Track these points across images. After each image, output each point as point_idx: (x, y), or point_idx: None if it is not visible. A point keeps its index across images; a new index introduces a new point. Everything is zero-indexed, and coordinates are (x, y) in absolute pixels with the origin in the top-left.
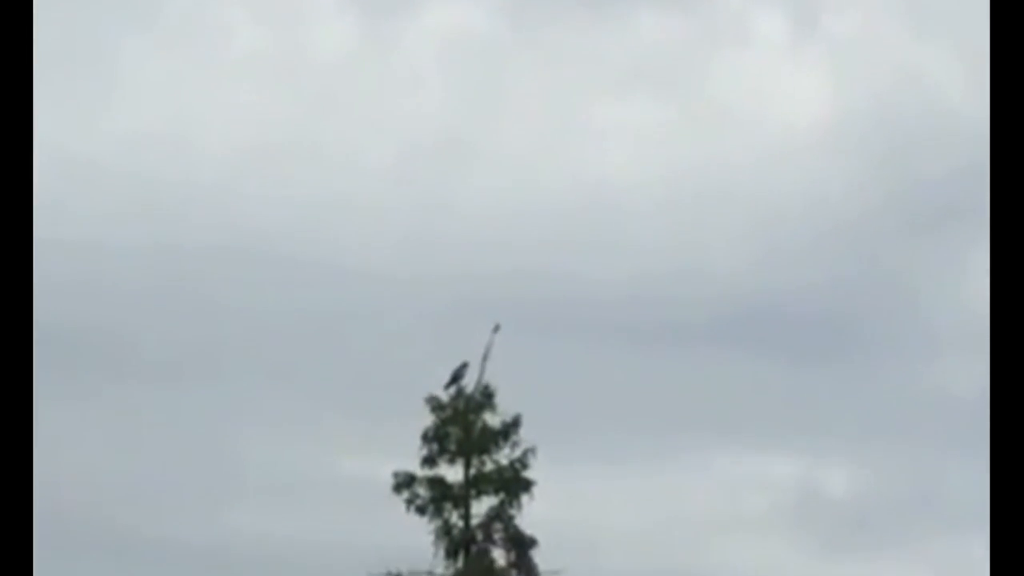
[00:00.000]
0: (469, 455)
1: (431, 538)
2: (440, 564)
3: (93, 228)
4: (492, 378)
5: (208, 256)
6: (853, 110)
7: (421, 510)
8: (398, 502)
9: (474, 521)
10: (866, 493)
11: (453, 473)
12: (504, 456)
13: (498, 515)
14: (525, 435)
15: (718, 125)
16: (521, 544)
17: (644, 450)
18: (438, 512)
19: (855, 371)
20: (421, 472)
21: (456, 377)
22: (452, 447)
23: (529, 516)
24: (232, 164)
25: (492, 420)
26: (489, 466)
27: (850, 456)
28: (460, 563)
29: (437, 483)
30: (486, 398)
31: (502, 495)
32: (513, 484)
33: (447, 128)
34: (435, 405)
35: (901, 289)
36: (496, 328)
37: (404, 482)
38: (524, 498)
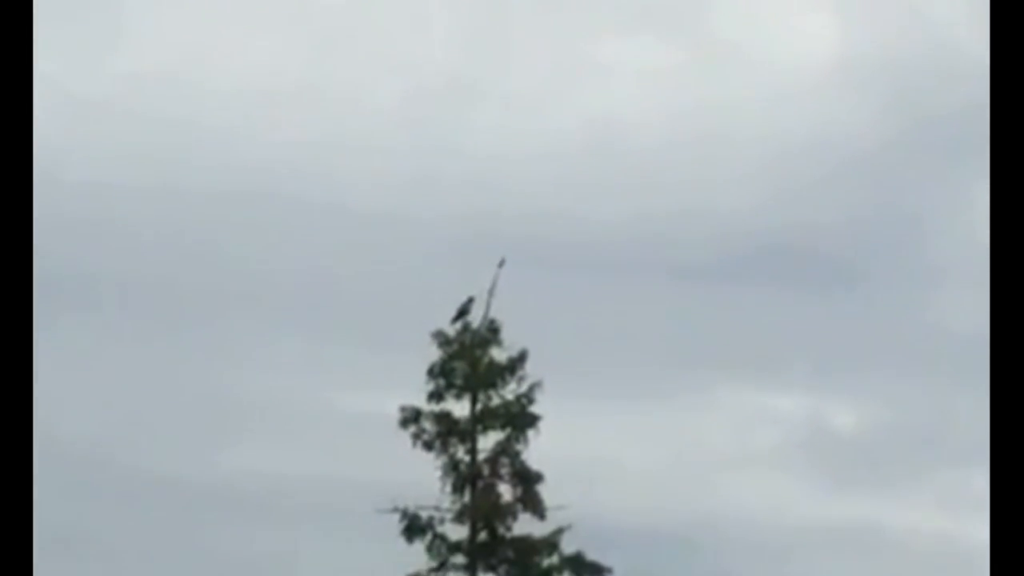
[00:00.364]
0: (475, 390)
1: (438, 473)
2: (446, 499)
3: (96, 169)
4: (498, 313)
5: (212, 197)
6: (860, 49)
7: (428, 445)
8: (404, 437)
9: (480, 456)
10: (874, 428)
11: (459, 408)
12: (510, 391)
13: (504, 450)
14: (531, 370)
15: (725, 64)
16: (527, 479)
17: (651, 386)
18: (444, 447)
19: (863, 307)
20: (427, 407)
21: (462, 312)
22: (458, 382)
23: (535, 451)
24: (237, 105)
25: (498, 355)
26: (495, 401)
27: (858, 391)
28: (466, 498)
29: (443, 418)
30: (492, 333)
31: (508, 430)
32: (519, 419)
33: (453, 69)
34: (441, 340)
35: (908, 225)
36: (501, 263)
37: (410, 417)
38: (530, 433)
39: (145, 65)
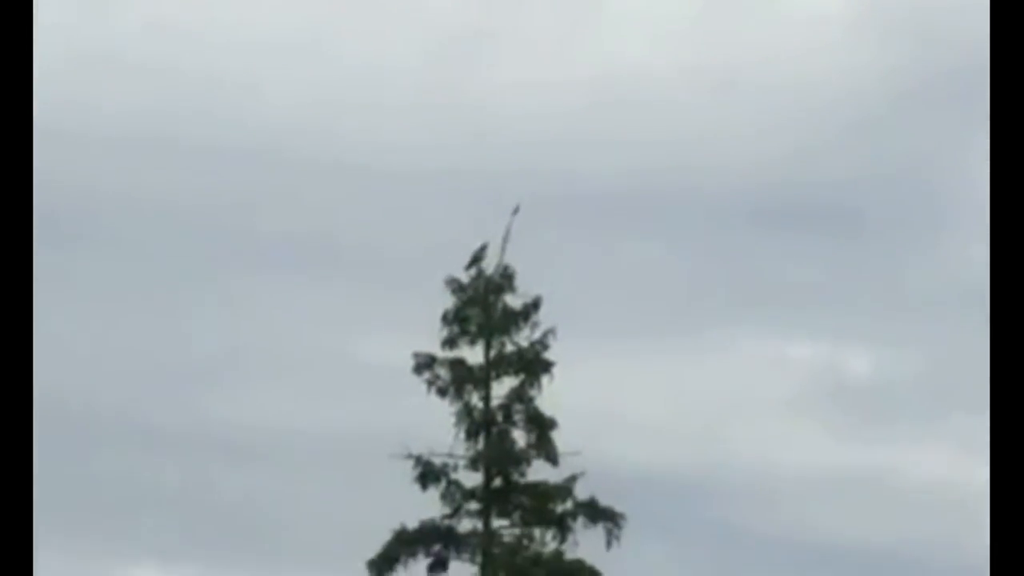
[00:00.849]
0: (489, 336)
1: (452, 420)
2: (460, 445)
3: (99, 120)
4: (512, 260)
5: (226, 149)
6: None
7: (442, 392)
8: (419, 384)
9: (494, 402)
10: (890, 375)
11: (473, 355)
12: (524, 337)
13: (518, 396)
14: (545, 317)
15: (742, 16)
16: (541, 425)
17: (666, 333)
18: (459, 394)
19: (879, 254)
20: (441, 354)
21: (476, 259)
22: (472, 328)
23: (549, 397)
24: (253, 61)
25: (512, 301)
26: (509, 347)
27: (875, 338)
28: (480, 444)
29: (457, 364)
30: (506, 280)
31: (522, 376)
32: (533, 365)
33: (465, 20)
34: (455, 287)
35: (926, 174)
36: (516, 210)
37: (425, 363)
38: (544, 379)
39: (158, 17)
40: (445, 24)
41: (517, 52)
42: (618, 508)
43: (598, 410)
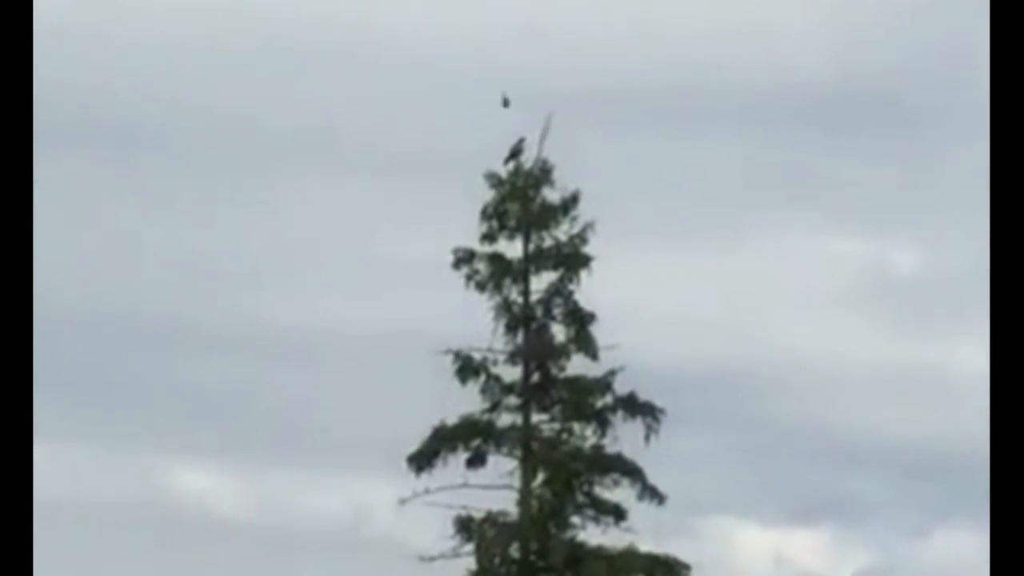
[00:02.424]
0: (528, 231)
1: (491, 314)
2: (499, 340)
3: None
4: (551, 155)
5: (253, 52)
6: None
7: (481, 286)
8: (458, 278)
9: (533, 297)
10: (937, 272)
11: (512, 249)
12: (563, 231)
13: (557, 290)
14: (584, 211)
15: None
16: (580, 319)
17: (708, 229)
18: (497, 288)
19: (927, 152)
20: (480, 248)
21: (514, 153)
22: (511, 223)
23: (588, 292)
24: None
25: (551, 195)
26: (548, 242)
27: (921, 235)
28: (519, 339)
29: (496, 259)
30: (544, 174)
31: (561, 271)
32: (572, 259)
33: None
34: (494, 181)
35: (974, 69)
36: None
37: (464, 258)
38: (583, 274)
39: None
40: None
41: None
42: (657, 403)
43: (638, 305)
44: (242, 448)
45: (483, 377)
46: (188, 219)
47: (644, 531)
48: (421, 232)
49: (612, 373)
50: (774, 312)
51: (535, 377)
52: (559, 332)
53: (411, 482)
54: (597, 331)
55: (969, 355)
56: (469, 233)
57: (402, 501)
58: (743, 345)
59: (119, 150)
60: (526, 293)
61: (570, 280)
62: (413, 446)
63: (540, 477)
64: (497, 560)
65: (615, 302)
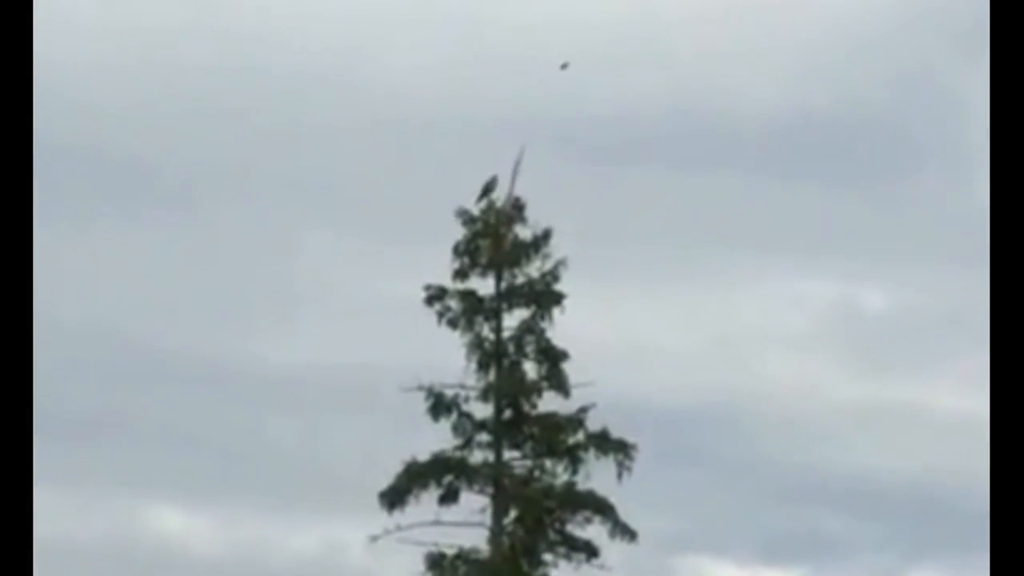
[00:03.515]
0: (500, 268)
1: (463, 351)
2: (472, 377)
3: (123, 49)
4: (523, 192)
5: (235, 74)
6: None
7: (453, 323)
8: (429, 315)
9: (506, 334)
10: (906, 310)
11: (484, 286)
12: (535, 269)
13: (529, 328)
14: (556, 248)
15: None
16: (552, 357)
17: (680, 267)
18: (469, 325)
19: (895, 191)
20: (452, 285)
21: (486, 190)
22: (483, 260)
23: (560, 329)
24: None
25: (523, 232)
26: (520, 279)
27: (890, 274)
28: (492, 376)
29: (468, 296)
30: (517, 211)
31: (533, 308)
32: (544, 297)
33: None
34: (466, 218)
35: (942, 112)
36: (520, 155)
37: (436, 295)
38: (555, 311)
39: None
40: None
41: None
42: (630, 440)
43: (610, 342)
44: (214, 487)
45: (455, 414)
46: (163, 261)
47: (617, 569)
48: (393, 269)
49: (584, 410)
50: (746, 350)
51: (507, 414)
52: (531, 369)
53: (383, 519)
54: (569, 368)
55: (941, 393)
56: (441, 270)
57: (374, 538)
58: (716, 383)
59: (107, 191)
60: (498, 330)
61: (542, 317)
62: (385, 483)
63: (512, 514)
64: None
65: (587, 339)
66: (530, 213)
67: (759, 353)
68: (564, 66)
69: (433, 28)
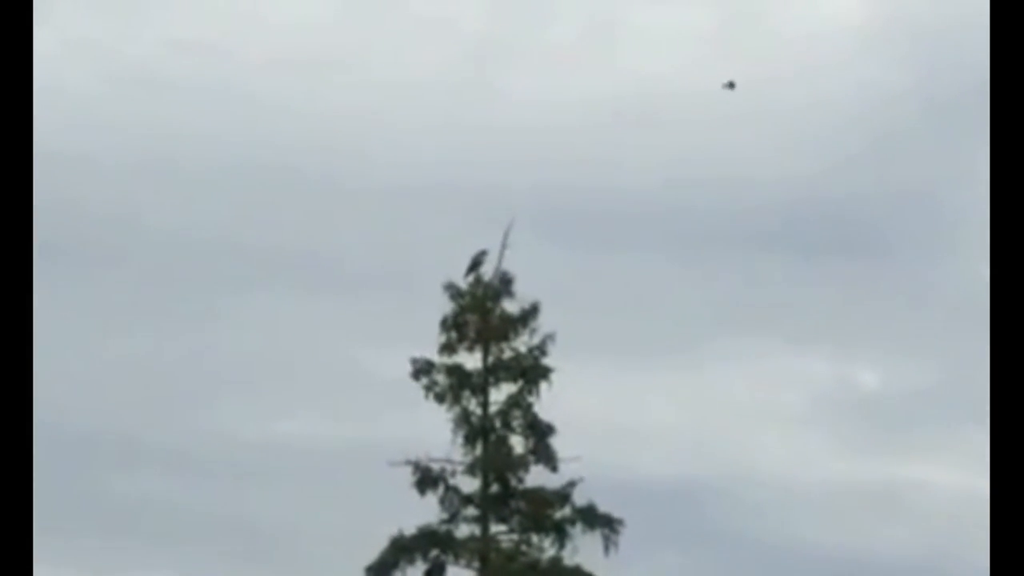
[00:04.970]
0: (488, 342)
1: (450, 426)
2: (459, 451)
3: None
4: (511, 267)
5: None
6: (882, 15)
7: (440, 397)
8: (416, 389)
9: (493, 408)
10: (900, 389)
11: (472, 360)
12: (523, 343)
13: (516, 402)
14: (544, 323)
15: (754, 32)
16: (540, 431)
17: (668, 344)
18: (456, 399)
19: (889, 271)
20: (440, 359)
21: (475, 265)
22: (471, 334)
23: (548, 404)
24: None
25: (511, 307)
26: (508, 353)
27: (884, 353)
28: (479, 450)
29: (455, 370)
30: (504, 285)
31: (520, 382)
32: (532, 371)
33: (484, 31)
34: (453, 292)
35: (936, 192)
36: (508, 229)
37: (423, 369)
38: (543, 385)
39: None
40: (464, 37)
41: (532, 64)
42: (616, 515)
43: (597, 417)
44: (200, 563)
45: (442, 488)
46: (148, 336)
47: None
48: (380, 344)
49: (571, 484)
50: (735, 427)
51: (494, 488)
52: (518, 444)
53: None
54: (556, 443)
55: (934, 470)
56: (428, 344)
57: None
58: (705, 460)
59: (81, 266)
60: (485, 404)
61: (529, 392)
62: (372, 556)
63: None
64: None
65: (575, 414)
66: (517, 288)
67: (748, 430)
68: (731, 85)
69: (430, 98)
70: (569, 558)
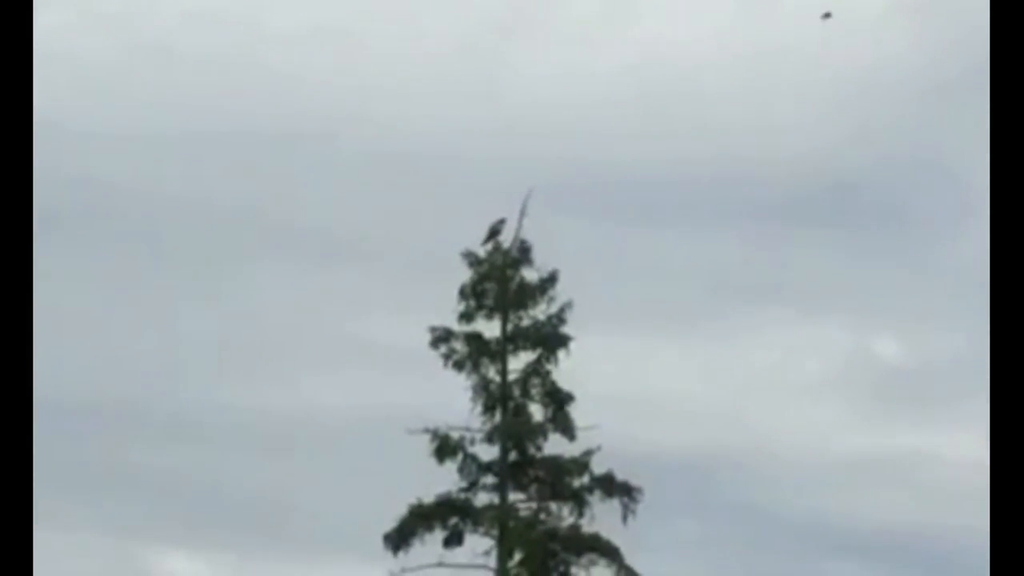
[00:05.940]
0: (506, 310)
1: (468, 394)
2: (477, 419)
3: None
4: (530, 236)
5: (239, 137)
6: None
7: (458, 365)
8: (435, 358)
9: (511, 376)
10: (918, 358)
11: (490, 329)
12: (541, 311)
13: (535, 370)
14: (562, 291)
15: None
16: (558, 399)
17: (689, 314)
18: (475, 367)
19: (908, 241)
20: (458, 327)
21: (493, 233)
22: (489, 302)
23: (566, 372)
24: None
25: (529, 275)
26: (526, 321)
27: (903, 322)
28: (497, 418)
29: (474, 338)
30: (523, 253)
31: (539, 350)
32: (550, 340)
33: (500, 8)
34: (472, 260)
35: (953, 161)
36: (527, 198)
37: (441, 337)
38: (561, 354)
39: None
40: (477, 11)
41: (550, 40)
42: (634, 483)
43: (615, 385)
44: (218, 531)
45: (460, 456)
46: (164, 307)
47: None
48: (398, 312)
49: (589, 453)
50: (753, 398)
51: (512, 456)
52: (536, 412)
53: (388, 561)
54: (575, 411)
55: (951, 442)
56: (447, 313)
57: None
58: (724, 429)
59: (90, 236)
60: (504, 373)
61: (548, 360)
62: (390, 525)
63: (517, 557)
64: None
65: (593, 382)
66: (536, 256)
67: (766, 401)
68: (827, 15)
69: (449, 71)
70: (587, 526)
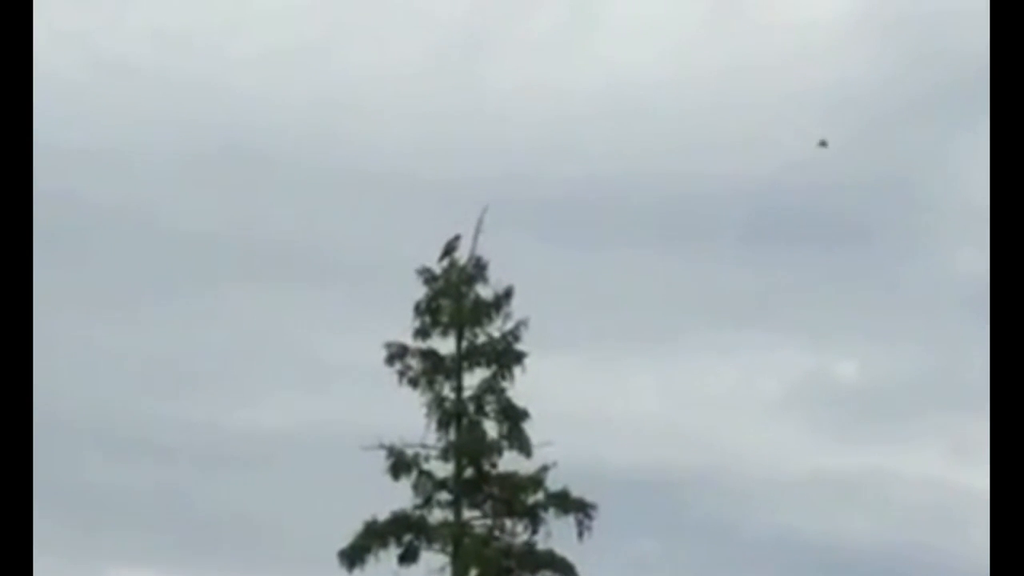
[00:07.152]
0: (461, 327)
1: (423, 411)
2: (432, 436)
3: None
4: (485, 253)
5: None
6: (862, 7)
7: (413, 382)
8: (390, 374)
9: (466, 393)
10: (877, 377)
11: (445, 345)
12: (496, 328)
13: (490, 387)
14: (517, 308)
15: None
16: (513, 416)
17: (643, 332)
18: (430, 384)
19: (865, 259)
20: (413, 344)
21: (448, 250)
22: (444, 319)
23: (521, 389)
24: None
25: (484, 292)
26: (481, 338)
27: (862, 342)
28: (452, 435)
29: (429, 355)
30: (478, 270)
31: (494, 367)
32: (505, 356)
33: (466, 23)
34: (427, 277)
35: (913, 180)
36: (482, 216)
37: (396, 353)
38: (516, 370)
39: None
40: (441, 28)
41: (516, 55)
42: (589, 500)
43: (571, 402)
44: (176, 550)
45: (415, 473)
46: (122, 325)
47: None
48: (353, 329)
49: (544, 469)
50: (711, 416)
51: (467, 473)
52: (491, 429)
53: None
54: (530, 428)
55: (912, 460)
56: (403, 330)
57: None
58: (679, 448)
59: (48, 253)
60: (459, 389)
61: (503, 377)
62: (345, 541)
63: (472, 574)
64: None
65: (548, 399)
66: (491, 273)
67: (724, 419)
68: (823, 143)
69: (406, 85)
70: (542, 543)
